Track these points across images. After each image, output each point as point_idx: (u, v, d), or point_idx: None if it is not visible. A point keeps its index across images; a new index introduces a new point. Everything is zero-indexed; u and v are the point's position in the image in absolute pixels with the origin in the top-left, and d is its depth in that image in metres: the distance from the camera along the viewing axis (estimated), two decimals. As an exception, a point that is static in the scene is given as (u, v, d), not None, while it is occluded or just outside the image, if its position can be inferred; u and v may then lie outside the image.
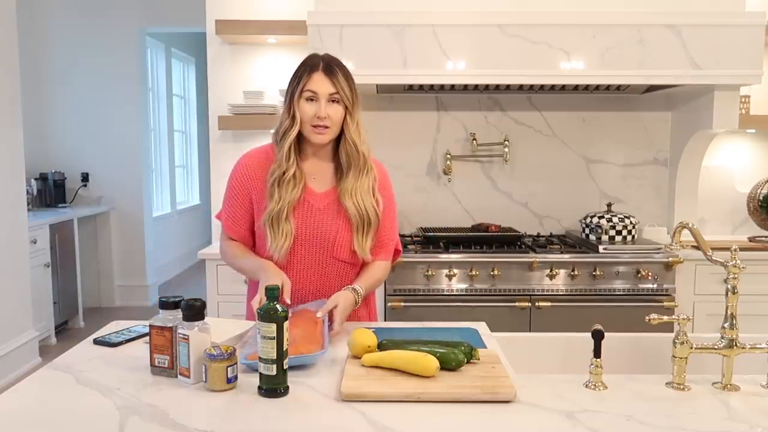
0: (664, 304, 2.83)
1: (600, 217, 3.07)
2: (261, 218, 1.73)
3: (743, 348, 1.33)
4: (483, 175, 3.44)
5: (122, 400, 1.23)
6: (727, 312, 1.34)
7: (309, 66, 1.70)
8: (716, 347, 1.34)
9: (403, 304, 2.84)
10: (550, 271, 2.85)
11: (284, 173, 1.69)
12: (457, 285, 2.86)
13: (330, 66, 1.69)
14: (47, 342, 4.38)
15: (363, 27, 2.81)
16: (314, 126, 1.68)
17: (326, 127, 1.68)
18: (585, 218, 3.15)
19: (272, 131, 1.78)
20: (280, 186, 1.69)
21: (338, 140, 1.74)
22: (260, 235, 1.76)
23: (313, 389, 1.28)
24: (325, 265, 1.76)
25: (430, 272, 2.85)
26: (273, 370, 1.24)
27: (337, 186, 1.75)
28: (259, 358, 1.25)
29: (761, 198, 3.27)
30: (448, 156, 3.38)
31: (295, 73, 1.72)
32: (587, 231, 3.12)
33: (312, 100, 1.67)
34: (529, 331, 2.82)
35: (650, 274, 2.85)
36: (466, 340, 1.43)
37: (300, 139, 1.73)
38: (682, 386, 1.31)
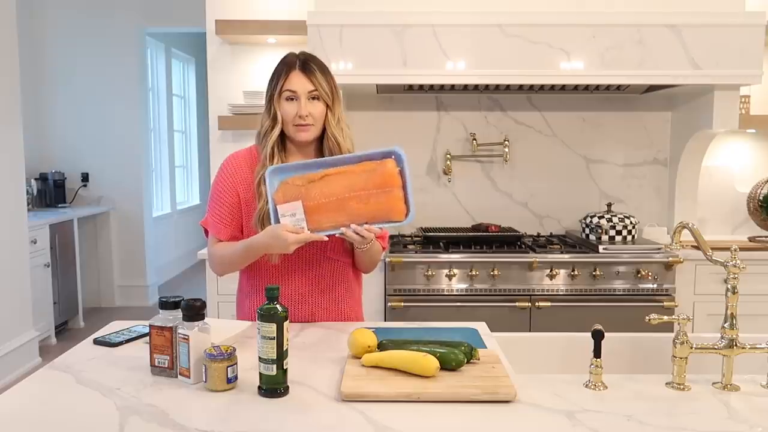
0: (664, 304, 2.83)
1: (600, 217, 3.07)
2: (251, 220, 1.71)
3: (743, 348, 1.33)
4: (483, 175, 3.44)
5: (122, 400, 1.23)
6: (727, 312, 1.35)
7: (286, 65, 1.70)
8: (716, 347, 1.34)
9: (403, 304, 2.84)
10: (550, 271, 2.85)
11: None
12: (457, 285, 2.86)
13: (307, 63, 1.69)
14: (47, 342, 4.38)
15: (363, 27, 2.81)
16: (296, 125, 1.68)
17: (309, 125, 1.69)
18: (585, 218, 3.16)
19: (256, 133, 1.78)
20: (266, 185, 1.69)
21: (321, 137, 1.74)
22: (252, 235, 1.73)
23: (313, 389, 1.28)
24: (318, 264, 1.76)
25: (430, 272, 2.85)
26: (273, 370, 1.24)
27: None
28: (259, 357, 1.25)
29: (761, 198, 3.27)
30: (448, 156, 3.38)
31: (272, 73, 1.72)
32: (587, 231, 3.12)
33: (292, 99, 1.68)
34: (529, 331, 2.82)
35: (650, 274, 2.85)
36: (466, 340, 1.43)
37: (284, 138, 1.74)
38: (682, 386, 1.31)
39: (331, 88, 1.71)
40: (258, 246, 1.64)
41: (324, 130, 1.72)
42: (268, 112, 1.72)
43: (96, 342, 1.60)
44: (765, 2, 3.06)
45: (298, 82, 1.67)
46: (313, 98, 1.68)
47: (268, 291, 1.28)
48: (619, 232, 3.03)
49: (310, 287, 1.77)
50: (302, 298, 1.77)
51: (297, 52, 1.75)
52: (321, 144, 1.76)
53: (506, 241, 3.06)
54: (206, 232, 1.82)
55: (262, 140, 1.72)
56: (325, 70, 1.72)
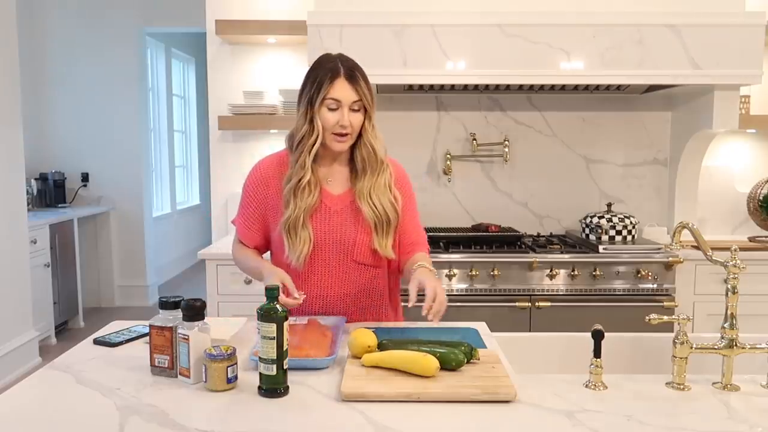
0: (664, 304, 2.83)
1: (600, 217, 3.07)
2: (277, 227, 1.70)
3: (743, 348, 1.33)
4: (483, 175, 3.44)
5: (122, 400, 1.23)
6: (727, 312, 1.35)
7: (329, 71, 1.62)
8: (716, 347, 1.34)
9: (403, 304, 2.83)
10: (550, 271, 2.85)
11: (299, 180, 1.66)
12: (457, 285, 2.86)
13: (352, 72, 1.63)
14: (47, 342, 4.38)
15: (363, 27, 2.81)
16: (335, 134, 1.64)
17: (347, 135, 1.64)
18: (585, 218, 3.16)
19: (286, 135, 1.74)
20: (295, 193, 1.66)
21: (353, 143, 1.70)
22: (277, 242, 1.74)
23: (313, 389, 1.28)
24: (347, 270, 1.73)
25: (430, 272, 2.84)
26: (273, 370, 1.24)
27: (353, 187, 1.72)
28: (260, 357, 1.25)
29: (761, 198, 3.27)
30: (448, 156, 3.38)
31: (311, 77, 1.65)
32: (587, 231, 3.12)
33: (334, 108, 1.63)
34: (529, 331, 2.81)
35: (650, 274, 2.85)
36: (466, 340, 1.43)
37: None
38: (682, 386, 1.31)
39: (372, 96, 1.66)
40: (260, 273, 1.69)
41: (357, 138, 1.69)
42: (304, 117, 1.65)
43: (96, 342, 1.60)
44: (765, 2, 3.07)
45: (343, 91, 1.61)
46: (355, 108, 1.64)
47: (267, 291, 1.28)
48: (619, 232, 3.03)
49: (340, 293, 1.75)
50: (334, 303, 1.75)
51: (334, 53, 1.70)
52: (352, 150, 1.72)
53: (506, 241, 3.05)
54: None
55: (297, 145, 1.67)
56: (367, 78, 1.66)
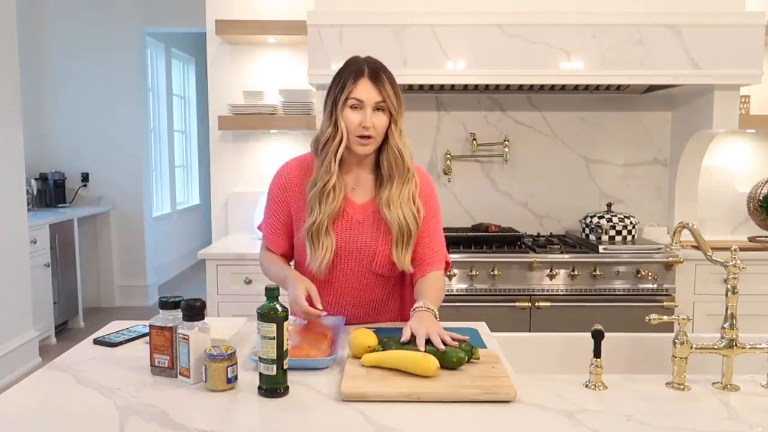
0: (664, 304, 2.83)
1: (600, 217, 3.07)
2: (300, 231, 1.67)
3: (743, 348, 1.33)
4: (483, 175, 3.44)
5: (122, 400, 1.23)
6: (727, 312, 1.35)
7: (353, 71, 1.61)
8: (716, 347, 1.34)
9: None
10: (550, 271, 2.85)
11: (325, 185, 1.62)
12: (457, 285, 2.86)
13: (376, 72, 1.62)
14: (47, 342, 4.38)
15: (363, 27, 2.81)
16: (359, 136, 1.61)
17: (371, 137, 1.61)
18: (585, 218, 3.16)
19: (311, 139, 1.71)
20: (320, 199, 1.63)
21: (379, 148, 1.67)
22: (300, 247, 1.72)
23: (313, 389, 1.28)
24: (364, 279, 1.72)
25: (430, 272, 2.84)
26: (273, 370, 1.24)
27: (376, 196, 1.68)
28: (260, 357, 1.25)
29: (761, 198, 3.27)
30: (448, 156, 3.38)
31: (336, 78, 1.64)
32: (587, 231, 3.12)
33: (356, 108, 1.60)
34: (529, 331, 2.82)
35: (650, 274, 2.85)
36: (466, 340, 1.43)
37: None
38: (682, 386, 1.31)
39: (397, 99, 1.64)
40: (285, 280, 1.65)
41: (383, 143, 1.65)
42: (329, 119, 1.63)
43: (96, 342, 1.60)
44: (765, 2, 3.06)
45: (366, 91, 1.60)
46: (379, 109, 1.61)
47: (267, 291, 1.28)
48: (619, 232, 3.03)
49: (356, 301, 1.74)
50: (348, 311, 1.75)
51: (362, 56, 1.68)
52: (378, 155, 1.68)
53: (506, 241, 3.05)
54: None
55: (322, 148, 1.64)
56: (393, 80, 1.64)
